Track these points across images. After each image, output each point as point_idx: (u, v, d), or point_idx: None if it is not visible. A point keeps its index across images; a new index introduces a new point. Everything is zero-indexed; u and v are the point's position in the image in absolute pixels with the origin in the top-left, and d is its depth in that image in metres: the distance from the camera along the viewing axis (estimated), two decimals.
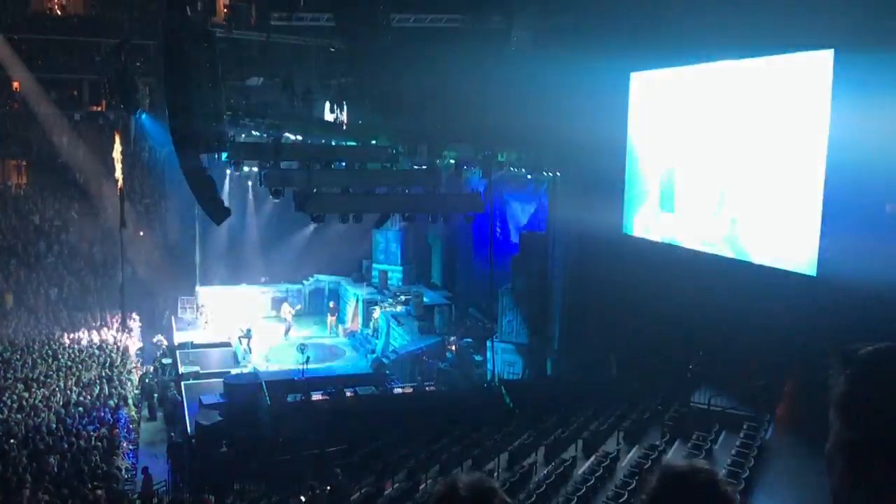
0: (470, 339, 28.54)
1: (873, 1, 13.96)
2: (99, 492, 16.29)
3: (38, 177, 35.83)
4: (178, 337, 28.97)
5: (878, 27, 13.77)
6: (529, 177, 27.04)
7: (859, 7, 14.10)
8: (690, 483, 1.65)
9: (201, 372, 25.83)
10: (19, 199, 35.83)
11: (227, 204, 22.29)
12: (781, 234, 16.71)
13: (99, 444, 19.13)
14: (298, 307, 32.66)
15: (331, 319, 32.87)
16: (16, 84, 34.31)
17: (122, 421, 21.33)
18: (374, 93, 25.33)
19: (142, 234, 34.03)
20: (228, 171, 30.25)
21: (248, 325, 29.66)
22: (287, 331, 31.21)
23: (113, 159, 30.58)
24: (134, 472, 19.12)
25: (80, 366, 24.28)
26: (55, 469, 17.36)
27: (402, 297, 31.93)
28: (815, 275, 15.72)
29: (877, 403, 1.51)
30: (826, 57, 15.31)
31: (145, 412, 23.96)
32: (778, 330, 15.80)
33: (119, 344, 27.03)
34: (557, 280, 24.99)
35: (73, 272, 32.88)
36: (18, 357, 24.53)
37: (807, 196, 15.84)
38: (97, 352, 25.88)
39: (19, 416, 20.13)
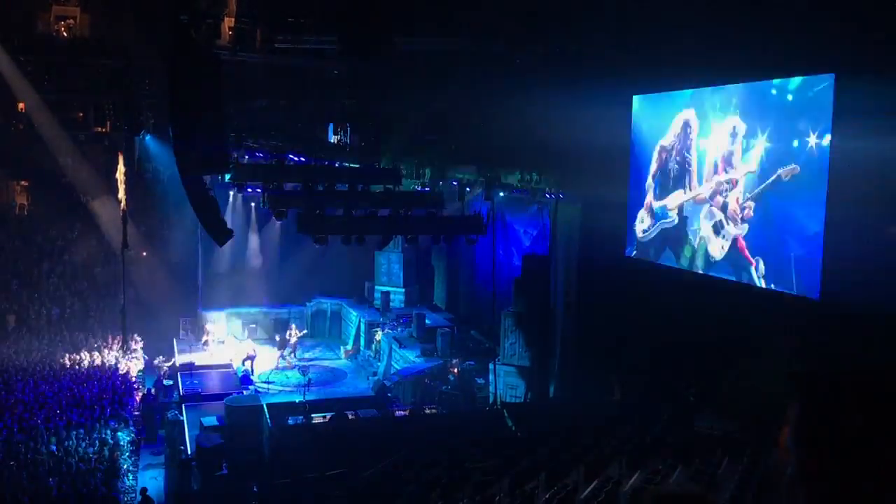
0: (472, 362, 28.46)
1: (873, 25, 14.03)
2: None
3: (42, 197, 35.92)
4: (180, 358, 28.93)
5: (878, 51, 13.84)
6: (532, 199, 27.10)
7: (860, 31, 14.17)
8: None
9: (202, 394, 25.76)
10: (23, 219, 35.92)
11: (229, 225, 22.35)
12: (783, 257, 16.69)
13: (99, 466, 19.03)
14: (304, 332, 32.53)
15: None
16: (21, 105, 34.48)
17: (123, 443, 21.23)
18: (377, 115, 25.46)
19: (144, 254, 34.06)
20: (232, 193, 30.35)
21: (251, 346, 29.64)
22: (293, 353, 31.11)
23: (116, 180, 30.68)
24: (134, 495, 19.01)
25: (81, 387, 24.20)
26: (55, 491, 17.26)
27: (405, 320, 31.88)
28: (818, 298, 15.69)
29: (833, 429, 1.49)
30: (826, 79, 15.38)
31: (145, 434, 23.86)
32: (781, 354, 15.75)
33: (120, 365, 26.95)
34: (560, 302, 24.95)
35: (75, 293, 32.87)
36: (20, 377, 24.46)
37: (808, 219, 15.85)
38: (98, 373, 25.80)
39: (20, 437, 20.05)
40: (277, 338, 31.42)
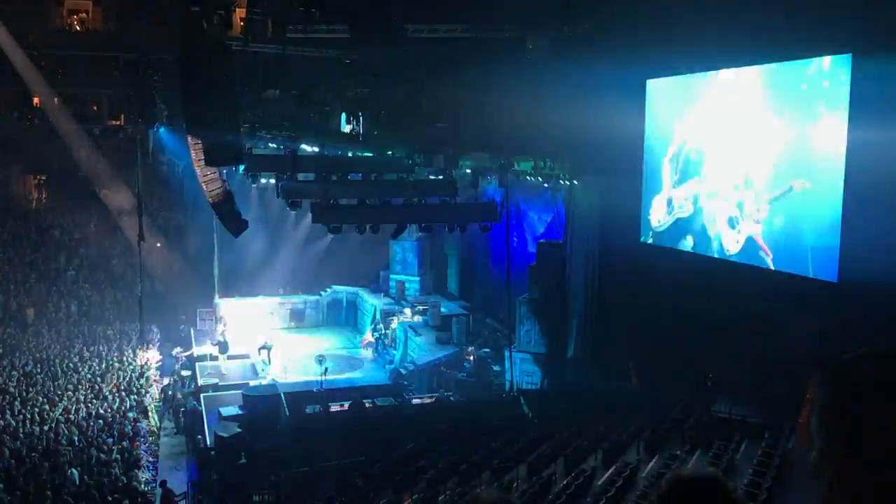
0: (488, 350, 28.45)
1: (891, 4, 13.83)
2: None
3: (58, 191, 36.17)
4: (198, 349, 29.08)
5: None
6: (546, 185, 26.99)
7: (877, 10, 13.98)
8: (699, 490, 1.68)
9: (220, 384, 25.89)
10: (39, 213, 36.19)
11: (244, 216, 22.41)
12: (801, 240, 16.57)
13: (119, 456, 19.20)
14: (376, 336, 32.18)
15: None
16: (36, 99, 34.68)
17: (142, 433, 21.41)
18: (390, 103, 25.39)
19: (159, 245, 34.24)
20: (246, 184, 30.41)
21: (267, 336, 29.73)
22: (375, 350, 31.49)
23: (131, 173, 30.84)
24: (154, 485, 19.17)
25: (100, 378, 24.41)
26: (76, 482, 17.43)
27: (420, 308, 31.90)
28: (836, 281, 15.57)
29: (860, 414, 1.47)
30: (843, 61, 15.20)
31: (166, 424, 23.99)
32: (799, 337, 15.65)
33: (138, 356, 27.15)
34: (575, 289, 24.87)
35: (92, 285, 33.12)
36: (39, 370, 24.69)
37: (826, 201, 15.71)
38: (117, 364, 26.01)
39: (41, 428, 20.25)
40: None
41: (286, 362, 28.94)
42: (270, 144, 26.56)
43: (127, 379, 24.78)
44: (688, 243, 20.44)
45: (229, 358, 28.19)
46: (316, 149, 26.49)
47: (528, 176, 26.33)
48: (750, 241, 18.02)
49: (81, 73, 35.17)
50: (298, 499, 17.65)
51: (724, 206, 18.90)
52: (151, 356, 27.73)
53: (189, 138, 19.57)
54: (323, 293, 35.31)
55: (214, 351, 28.35)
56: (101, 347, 27.56)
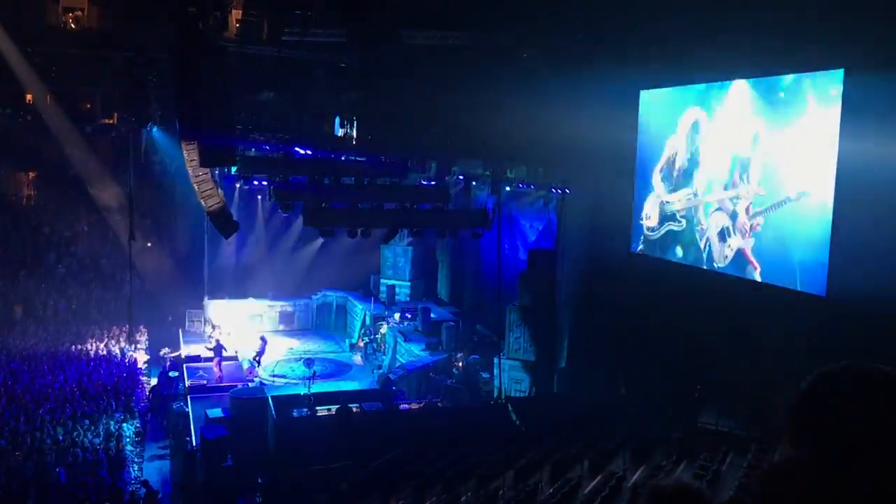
0: (477, 356, 28.43)
1: (884, 20, 13.94)
2: None
3: (49, 189, 36.00)
4: (186, 350, 28.95)
5: (888, 47, 13.75)
6: (538, 193, 27.04)
7: (870, 27, 14.09)
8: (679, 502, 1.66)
9: (208, 385, 25.78)
10: (30, 210, 36.01)
11: (235, 218, 22.36)
12: (790, 253, 16.65)
13: (104, 456, 19.11)
14: (366, 341, 32.07)
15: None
16: (29, 96, 34.53)
17: (128, 433, 21.31)
18: (384, 108, 25.40)
19: (149, 245, 34.13)
20: (238, 185, 30.38)
21: (263, 337, 29.58)
22: (365, 353, 31.49)
23: (123, 172, 30.72)
24: (138, 486, 19.09)
25: (87, 378, 24.28)
26: (61, 481, 17.34)
27: (410, 313, 31.87)
28: (824, 295, 15.65)
29: (827, 429, 1.46)
30: (835, 77, 15.31)
31: (152, 425, 23.88)
32: (787, 350, 15.72)
33: (126, 356, 27.04)
34: (565, 297, 24.93)
35: (81, 284, 32.96)
36: (26, 368, 24.55)
37: (816, 216, 15.79)
38: (104, 363, 25.88)
39: (26, 427, 20.13)
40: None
41: (273, 366, 28.88)
42: (263, 147, 26.51)
43: (114, 379, 24.65)
44: (678, 253, 20.53)
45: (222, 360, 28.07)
46: (309, 152, 26.47)
47: (521, 184, 26.39)
48: (739, 253, 18.12)
49: (75, 71, 35.02)
50: (284, 502, 17.60)
51: (716, 217, 19.00)
52: (139, 356, 27.61)
53: (183, 143, 19.57)
54: (313, 297, 35.23)
55: (206, 352, 28.20)
56: (88, 346, 27.43)
